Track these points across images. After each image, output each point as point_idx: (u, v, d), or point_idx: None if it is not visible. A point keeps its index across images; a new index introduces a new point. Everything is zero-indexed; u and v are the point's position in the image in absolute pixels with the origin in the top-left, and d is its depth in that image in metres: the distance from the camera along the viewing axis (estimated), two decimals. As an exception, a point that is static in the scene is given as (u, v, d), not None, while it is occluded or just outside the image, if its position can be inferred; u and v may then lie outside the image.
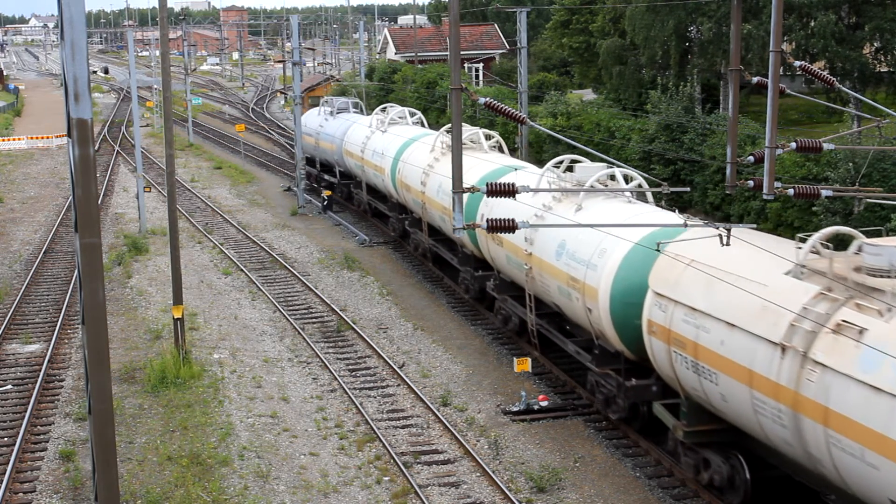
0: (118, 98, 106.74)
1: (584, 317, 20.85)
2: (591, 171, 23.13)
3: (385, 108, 42.58)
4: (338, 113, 46.88)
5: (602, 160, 21.36)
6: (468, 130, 31.37)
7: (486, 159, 28.87)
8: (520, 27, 40.83)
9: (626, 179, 22.94)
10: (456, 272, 31.16)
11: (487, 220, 15.04)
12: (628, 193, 22.22)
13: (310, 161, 50.60)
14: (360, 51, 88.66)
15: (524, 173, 26.06)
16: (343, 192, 46.57)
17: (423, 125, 40.25)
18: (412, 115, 40.84)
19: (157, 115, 77.79)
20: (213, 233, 41.02)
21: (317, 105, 62.19)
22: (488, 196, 15.39)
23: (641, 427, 20.30)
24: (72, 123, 9.59)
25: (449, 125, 31.74)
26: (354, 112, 47.29)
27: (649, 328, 18.04)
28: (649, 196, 22.86)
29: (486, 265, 28.01)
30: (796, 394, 14.18)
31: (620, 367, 20.05)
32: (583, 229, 20.14)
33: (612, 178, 22.91)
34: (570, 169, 24.22)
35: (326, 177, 48.39)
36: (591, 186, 22.25)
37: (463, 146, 29.26)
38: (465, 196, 26.66)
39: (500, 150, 31.75)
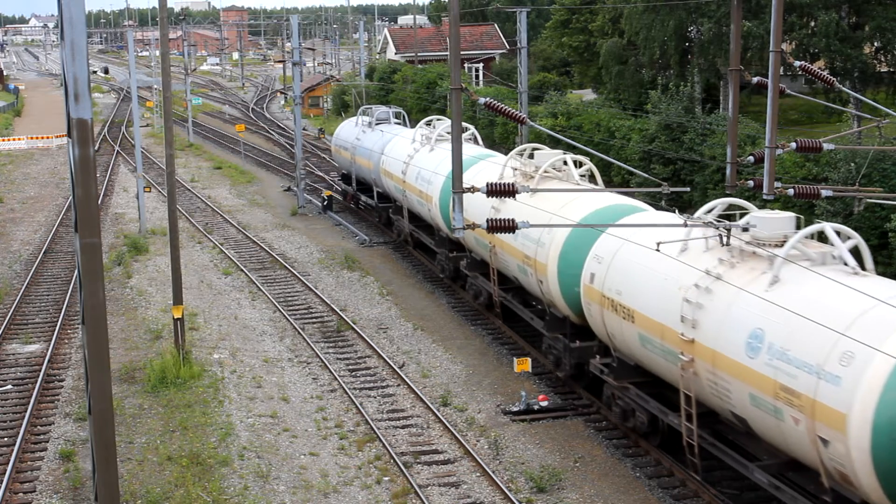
0: (118, 98, 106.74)
1: (805, 445, 14.46)
2: (778, 225, 16.36)
3: (431, 121, 35.91)
4: (377, 124, 40.60)
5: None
6: (550, 155, 24.86)
7: (583, 192, 22.51)
8: (520, 27, 40.81)
9: (841, 237, 15.97)
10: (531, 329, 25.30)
11: (488, 221, 14.89)
12: (847, 258, 15.48)
13: (346, 178, 45.26)
14: (360, 51, 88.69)
15: (660, 219, 19.87)
16: (382, 216, 40.11)
17: (476, 142, 33.56)
18: (463, 129, 35.89)
19: (157, 115, 77.79)
20: (213, 233, 41.02)
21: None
22: (488, 196, 15.18)
23: None
24: (72, 123, 9.57)
25: (521, 147, 26.16)
26: (396, 123, 41.23)
27: None
28: (869, 262, 15.88)
29: (589, 333, 21.11)
30: None
31: None
32: (800, 316, 14.42)
33: (821, 236, 16.11)
34: (730, 217, 17.41)
35: (364, 198, 42.33)
36: (794, 253, 15.46)
37: (545, 175, 24.63)
38: (559, 238, 21.46)
39: (592, 179, 24.95)
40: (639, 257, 18.42)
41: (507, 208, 23.60)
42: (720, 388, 16.07)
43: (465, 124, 33.39)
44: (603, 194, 22.67)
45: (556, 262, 21.64)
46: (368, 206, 42.04)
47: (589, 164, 24.58)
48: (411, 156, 33.35)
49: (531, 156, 25.72)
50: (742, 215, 17.19)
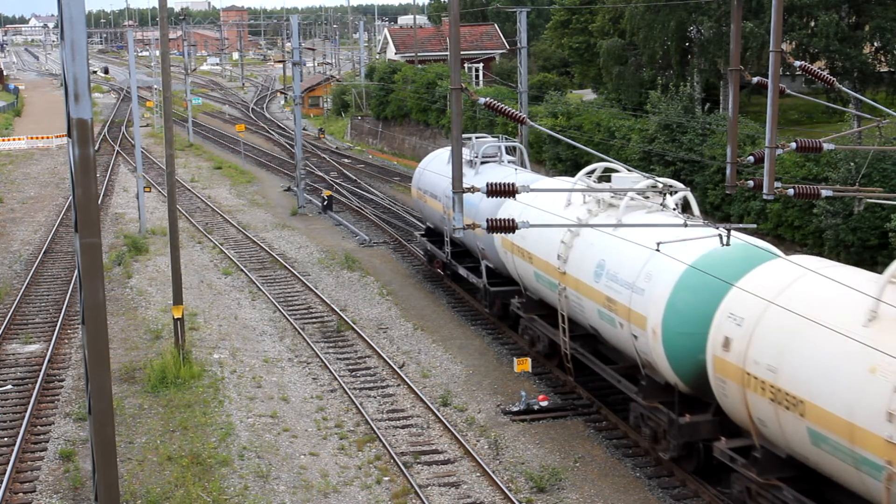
0: (118, 98, 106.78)
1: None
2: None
3: (594, 171, 22.47)
4: (482, 163, 28.56)
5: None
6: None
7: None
8: (520, 27, 40.80)
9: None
10: None
11: (487, 220, 14.80)
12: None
13: (432, 234, 32.59)
14: (360, 51, 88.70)
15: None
16: (494, 305, 27.34)
17: (688, 210, 20.06)
18: (671, 192, 20.11)
19: (157, 115, 77.80)
20: (213, 233, 41.02)
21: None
22: (488, 196, 15.14)
23: None
24: (72, 123, 9.58)
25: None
26: (510, 162, 29.07)
27: None
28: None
29: None
30: None
31: None
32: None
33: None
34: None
35: (463, 271, 29.09)
36: None
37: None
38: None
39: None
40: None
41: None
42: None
43: (670, 181, 20.88)
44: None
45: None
46: (471, 284, 29.13)
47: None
48: (576, 232, 20.87)
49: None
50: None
